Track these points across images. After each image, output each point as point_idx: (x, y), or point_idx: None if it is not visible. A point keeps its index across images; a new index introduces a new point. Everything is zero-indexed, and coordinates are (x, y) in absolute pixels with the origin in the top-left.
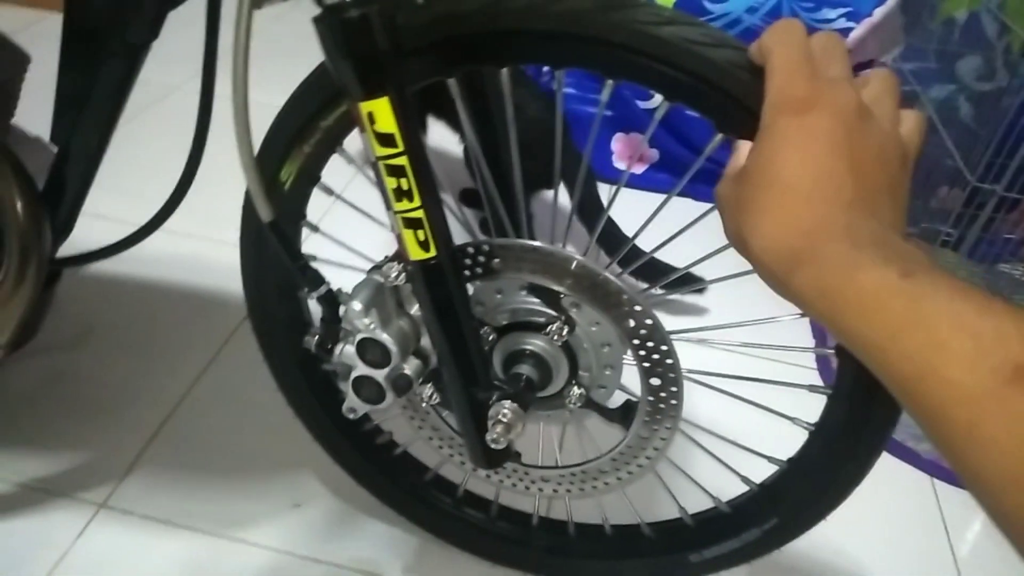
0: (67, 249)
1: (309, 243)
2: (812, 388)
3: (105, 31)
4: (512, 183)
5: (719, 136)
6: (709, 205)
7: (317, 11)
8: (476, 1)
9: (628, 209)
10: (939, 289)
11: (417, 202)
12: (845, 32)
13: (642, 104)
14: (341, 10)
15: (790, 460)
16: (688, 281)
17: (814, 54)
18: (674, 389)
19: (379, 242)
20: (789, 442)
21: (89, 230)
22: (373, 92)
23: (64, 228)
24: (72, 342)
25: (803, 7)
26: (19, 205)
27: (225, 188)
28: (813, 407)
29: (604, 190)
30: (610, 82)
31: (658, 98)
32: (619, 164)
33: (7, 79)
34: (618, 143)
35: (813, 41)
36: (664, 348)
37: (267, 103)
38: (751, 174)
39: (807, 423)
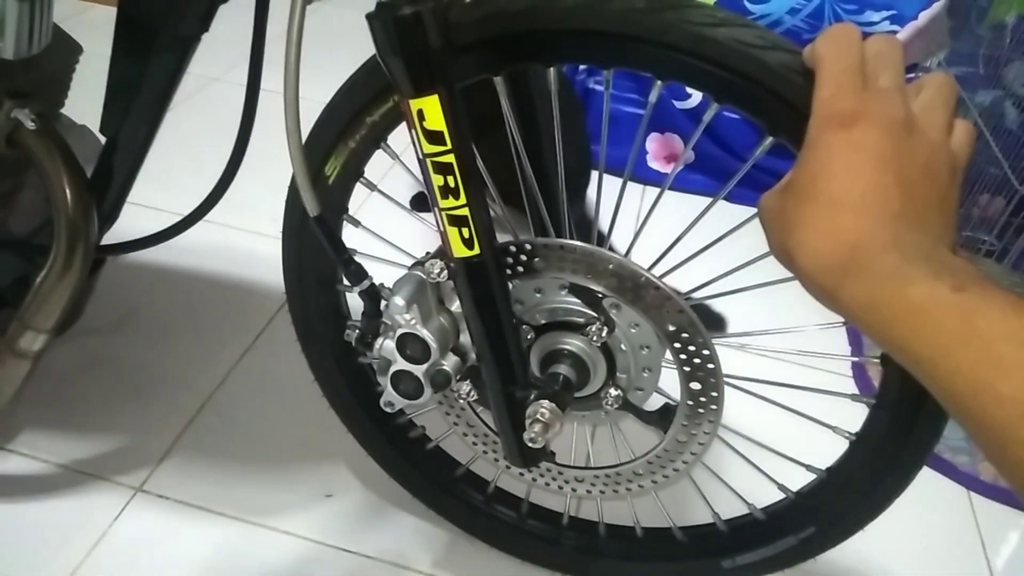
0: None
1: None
2: (855, 397)
3: (157, 24)
4: (556, 184)
5: (769, 140)
6: (739, 206)
7: (360, 7)
8: None
9: (663, 213)
10: (992, 304)
11: (463, 200)
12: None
13: (679, 104)
14: (395, 7)
15: (829, 469)
16: (712, 319)
17: (866, 60)
18: (715, 394)
19: (413, 237)
20: (822, 449)
21: (125, 217)
22: (423, 89)
23: (110, 216)
24: (112, 328)
25: (845, 9)
26: (69, 194)
27: (263, 180)
28: (849, 416)
29: (637, 190)
30: (659, 83)
31: (695, 98)
32: (654, 164)
33: (60, 68)
34: (653, 143)
35: (867, 45)
36: (706, 352)
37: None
38: (796, 188)
39: (848, 433)
